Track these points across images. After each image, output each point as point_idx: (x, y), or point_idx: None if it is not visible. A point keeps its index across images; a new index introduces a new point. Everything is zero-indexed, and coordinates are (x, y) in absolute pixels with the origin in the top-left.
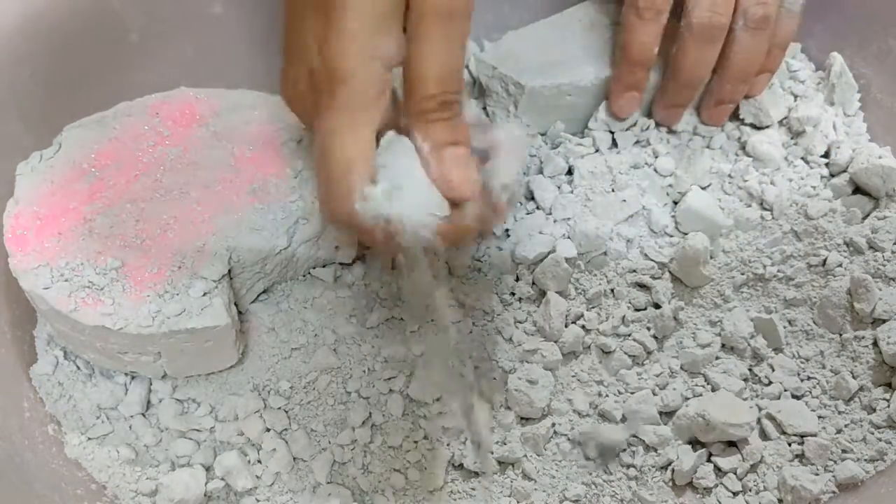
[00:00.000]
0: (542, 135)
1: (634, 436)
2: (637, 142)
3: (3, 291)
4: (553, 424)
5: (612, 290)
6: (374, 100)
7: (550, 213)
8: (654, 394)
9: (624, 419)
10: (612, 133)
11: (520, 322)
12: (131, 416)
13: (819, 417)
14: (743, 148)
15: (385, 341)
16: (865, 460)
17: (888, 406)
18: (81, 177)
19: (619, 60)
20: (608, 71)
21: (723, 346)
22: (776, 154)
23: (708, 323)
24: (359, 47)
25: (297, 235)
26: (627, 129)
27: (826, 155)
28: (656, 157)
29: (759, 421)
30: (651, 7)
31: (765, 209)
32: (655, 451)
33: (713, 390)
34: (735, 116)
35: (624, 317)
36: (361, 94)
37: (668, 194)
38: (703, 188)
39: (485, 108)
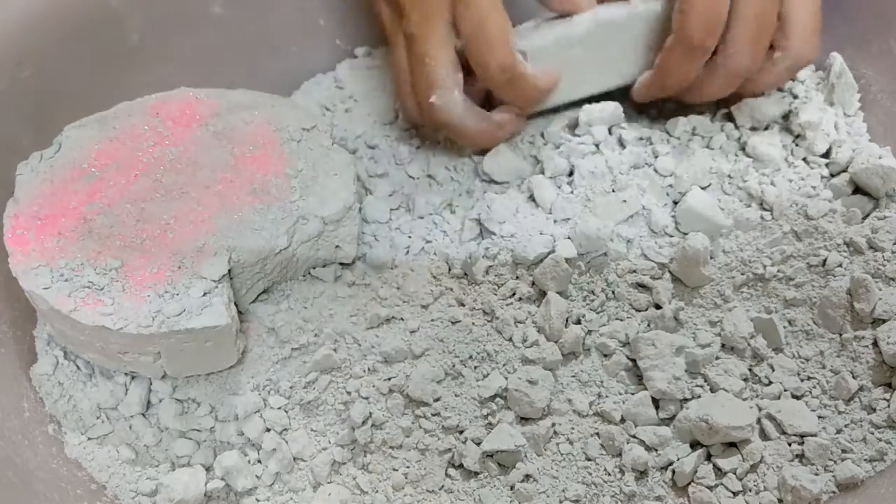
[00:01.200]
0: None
1: (634, 436)
2: (640, 139)
3: (3, 291)
4: (553, 424)
5: (613, 291)
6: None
7: (550, 213)
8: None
9: (623, 420)
10: (610, 129)
11: (520, 322)
12: (131, 416)
13: (819, 417)
14: (743, 148)
15: (385, 341)
16: (865, 460)
17: (888, 406)
18: (81, 177)
19: (654, 80)
20: (603, 14)
21: (723, 346)
22: (776, 154)
23: (708, 323)
24: None
25: (297, 235)
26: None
27: (826, 155)
28: (656, 157)
29: (759, 421)
30: (703, 49)
31: (765, 209)
32: (656, 451)
33: (713, 390)
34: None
35: (623, 317)
36: None
37: (668, 194)
38: (703, 188)
39: None
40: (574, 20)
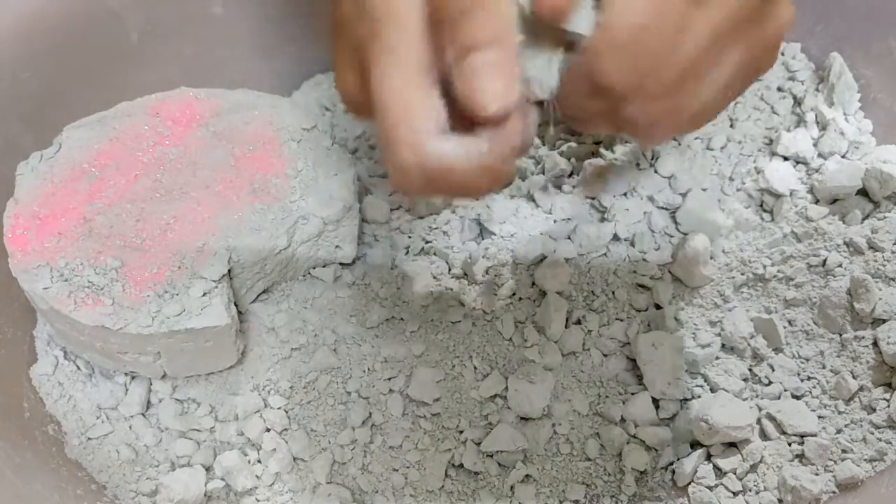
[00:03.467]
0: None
1: (634, 436)
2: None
3: (3, 291)
4: (553, 424)
5: (613, 292)
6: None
7: (550, 213)
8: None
9: (623, 420)
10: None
11: (520, 322)
12: (131, 416)
13: (819, 417)
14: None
15: (385, 341)
16: (865, 460)
17: (888, 406)
18: (81, 177)
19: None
20: None
21: (723, 346)
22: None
23: (708, 323)
24: None
25: (297, 235)
26: None
27: (826, 156)
28: (656, 158)
29: (759, 421)
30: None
31: (765, 210)
32: (656, 451)
33: (713, 390)
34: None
35: (623, 317)
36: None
37: (668, 195)
38: (704, 189)
39: None
40: None
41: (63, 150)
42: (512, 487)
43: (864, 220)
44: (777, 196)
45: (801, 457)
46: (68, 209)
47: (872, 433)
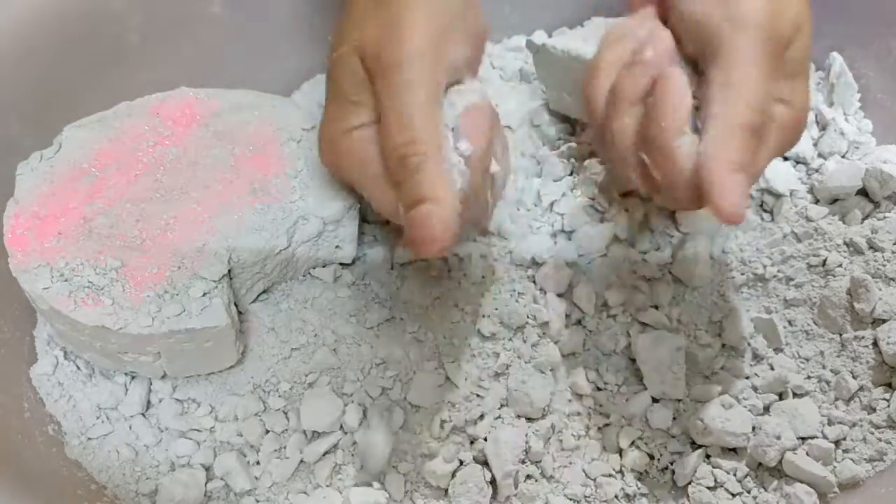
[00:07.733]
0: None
1: (634, 436)
2: None
3: (3, 291)
4: (553, 424)
5: (614, 292)
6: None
7: (551, 214)
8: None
9: (623, 420)
10: None
11: (520, 322)
12: (131, 416)
13: (819, 417)
14: None
15: (385, 342)
16: (865, 460)
17: (888, 406)
18: (81, 177)
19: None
20: None
21: (723, 345)
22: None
23: (708, 323)
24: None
25: (297, 235)
26: None
27: (826, 156)
28: None
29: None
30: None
31: (765, 210)
32: (656, 451)
33: (713, 391)
34: None
35: (623, 317)
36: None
37: None
38: None
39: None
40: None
41: (63, 150)
42: (512, 487)
43: (864, 220)
44: (777, 196)
45: (801, 457)
46: (68, 209)
47: (872, 433)
